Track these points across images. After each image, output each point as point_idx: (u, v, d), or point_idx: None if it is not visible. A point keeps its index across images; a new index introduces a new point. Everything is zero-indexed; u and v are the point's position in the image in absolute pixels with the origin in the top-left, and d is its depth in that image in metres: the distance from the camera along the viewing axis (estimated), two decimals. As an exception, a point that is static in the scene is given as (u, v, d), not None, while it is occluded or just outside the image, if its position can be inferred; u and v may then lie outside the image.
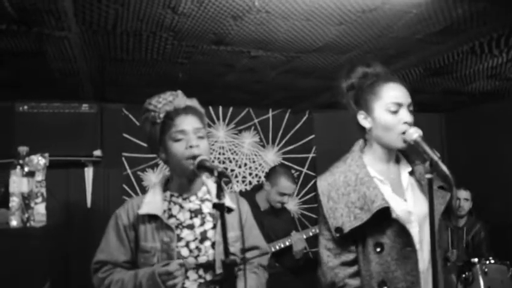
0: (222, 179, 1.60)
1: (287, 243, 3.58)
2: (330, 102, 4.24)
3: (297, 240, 3.55)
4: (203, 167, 1.73)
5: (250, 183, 4.55)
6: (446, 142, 5.46)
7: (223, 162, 4.53)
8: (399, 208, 1.77)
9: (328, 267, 1.80)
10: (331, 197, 1.82)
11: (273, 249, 3.58)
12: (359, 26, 2.47)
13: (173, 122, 1.86)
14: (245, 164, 4.60)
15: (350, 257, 1.80)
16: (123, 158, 4.22)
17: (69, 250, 3.73)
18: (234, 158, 4.57)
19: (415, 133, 1.73)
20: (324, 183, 1.86)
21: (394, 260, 1.74)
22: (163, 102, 1.89)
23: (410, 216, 1.78)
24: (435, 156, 1.63)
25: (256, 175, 4.55)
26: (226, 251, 1.57)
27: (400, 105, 1.78)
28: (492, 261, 3.55)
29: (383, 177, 1.83)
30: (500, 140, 4.67)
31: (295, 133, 4.78)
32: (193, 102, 1.95)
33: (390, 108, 1.78)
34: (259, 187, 3.78)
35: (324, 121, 4.80)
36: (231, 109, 4.60)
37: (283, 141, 4.74)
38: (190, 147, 1.81)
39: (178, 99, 1.91)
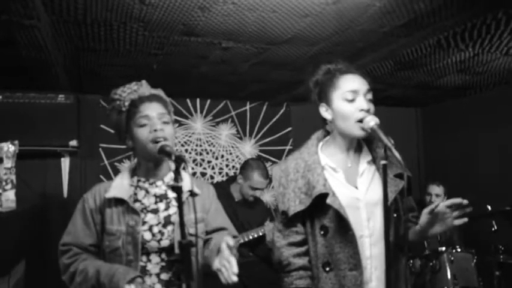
0: (180, 163, 1.65)
1: (260, 233, 3.64)
2: (306, 94, 4.29)
3: (270, 230, 3.61)
4: (163, 152, 1.79)
5: (227, 174, 4.60)
6: (422, 137, 5.56)
7: (200, 154, 4.58)
8: (346, 195, 1.85)
9: (276, 247, 1.93)
10: (282, 183, 1.94)
11: (246, 239, 3.63)
12: (325, 18, 2.53)
13: (138, 109, 1.91)
14: (222, 156, 4.65)
15: (298, 238, 1.91)
16: (101, 149, 4.25)
17: (46, 237, 3.76)
18: (211, 150, 4.62)
19: (371, 121, 1.79)
20: (277, 170, 1.99)
21: (337, 242, 1.82)
22: (128, 91, 1.94)
23: (357, 202, 1.85)
24: (389, 142, 1.69)
25: (233, 167, 4.60)
26: (183, 232, 1.62)
27: (356, 92, 1.84)
28: (458, 250, 3.65)
29: (336, 165, 1.90)
30: (474, 134, 4.77)
31: (272, 125, 4.85)
32: (158, 91, 2.00)
33: (347, 97, 1.84)
34: (234, 178, 3.83)
35: (301, 114, 4.84)
36: (208, 101, 4.65)
37: (261, 134, 4.80)
38: (155, 130, 1.87)
39: (142, 88, 1.96)
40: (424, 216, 1.80)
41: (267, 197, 4.64)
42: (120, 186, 1.96)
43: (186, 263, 1.62)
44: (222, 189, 3.76)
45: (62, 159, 4.04)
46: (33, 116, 3.69)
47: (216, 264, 1.75)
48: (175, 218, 1.93)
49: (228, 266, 1.68)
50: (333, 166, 1.90)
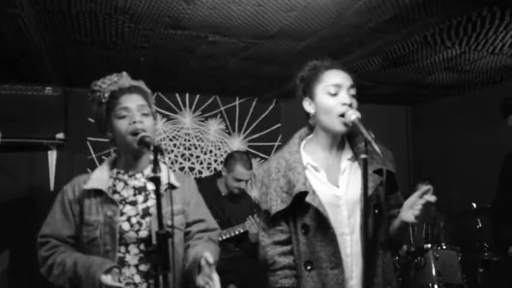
0: (158, 153, 1.64)
1: (246, 228, 3.64)
2: (295, 91, 4.30)
3: (253, 224, 3.61)
4: (143, 142, 1.78)
5: (215, 169, 4.60)
6: (412, 135, 5.59)
7: (189, 149, 4.58)
8: (327, 193, 1.85)
9: (261, 246, 1.92)
10: (264, 183, 1.94)
11: (232, 234, 3.63)
12: (310, 12, 2.53)
13: (118, 100, 1.90)
14: (211, 151, 4.65)
15: (282, 237, 1.90)
16: (88, 142, 4.24)
17: (32, 230, 3.74)
18: (199, 145, 4.62)
19: (353, 115, 1.79)
20: (260, 170, 2.00)
21: (318, 241, 1.82)
22: (108, 82, 1.93)
23: (338, 200, 1.85)
24: (369, 136, 1.69)
25: (222, 162, 4.58)
26: (161, 223, 1.62)
27: (339, 86, 1.84)
28: (443, 247, 3.67)
29: (317, 164, 1.90)
30: (462, 133, 4.80)
31: (261, 121, 4.86)
32: (139, 83, 1.99)
33: (330, 91, 1.84)
34: (220, 173, 3.83)
35: (290, 110, 4.84)
36: (197, 96, 4.65)
37: (250, 129, 4.80)
38: (134, 122, 1.86)
39: (122, 79, 1.95)
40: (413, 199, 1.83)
41: (254, 193, 4.64)
42: (99, 177, 1.95)
43: (162, 254, 1.61)
44: (209, 184, 3.76)
45: (49, 152, 4.00)
46: (20, 108, 3.65)
47: (199, 281, 1.77)
48: (153, 210, 1.92)
49: (211, 284, 1.72)
50: (314, 165, 1.90)
